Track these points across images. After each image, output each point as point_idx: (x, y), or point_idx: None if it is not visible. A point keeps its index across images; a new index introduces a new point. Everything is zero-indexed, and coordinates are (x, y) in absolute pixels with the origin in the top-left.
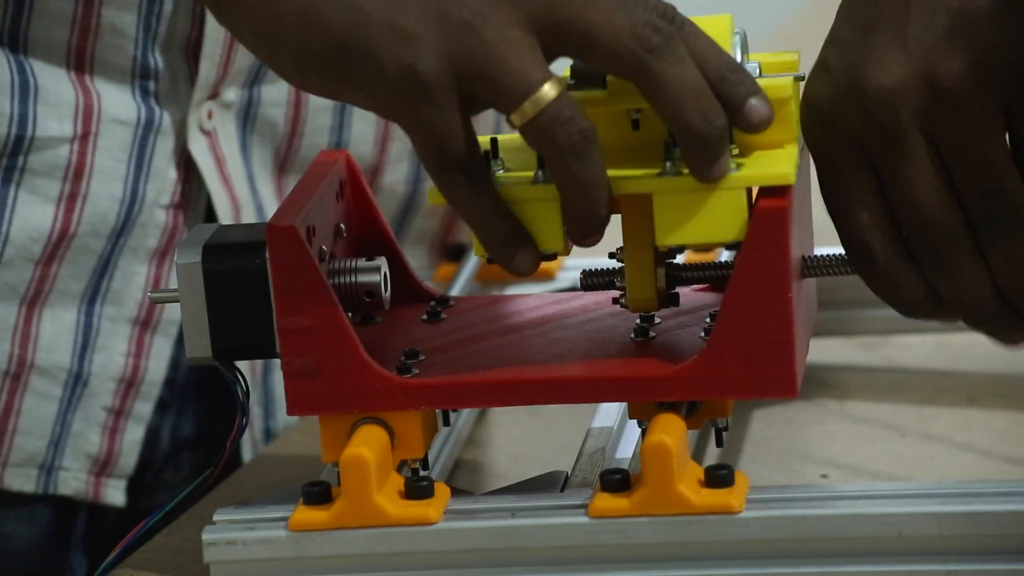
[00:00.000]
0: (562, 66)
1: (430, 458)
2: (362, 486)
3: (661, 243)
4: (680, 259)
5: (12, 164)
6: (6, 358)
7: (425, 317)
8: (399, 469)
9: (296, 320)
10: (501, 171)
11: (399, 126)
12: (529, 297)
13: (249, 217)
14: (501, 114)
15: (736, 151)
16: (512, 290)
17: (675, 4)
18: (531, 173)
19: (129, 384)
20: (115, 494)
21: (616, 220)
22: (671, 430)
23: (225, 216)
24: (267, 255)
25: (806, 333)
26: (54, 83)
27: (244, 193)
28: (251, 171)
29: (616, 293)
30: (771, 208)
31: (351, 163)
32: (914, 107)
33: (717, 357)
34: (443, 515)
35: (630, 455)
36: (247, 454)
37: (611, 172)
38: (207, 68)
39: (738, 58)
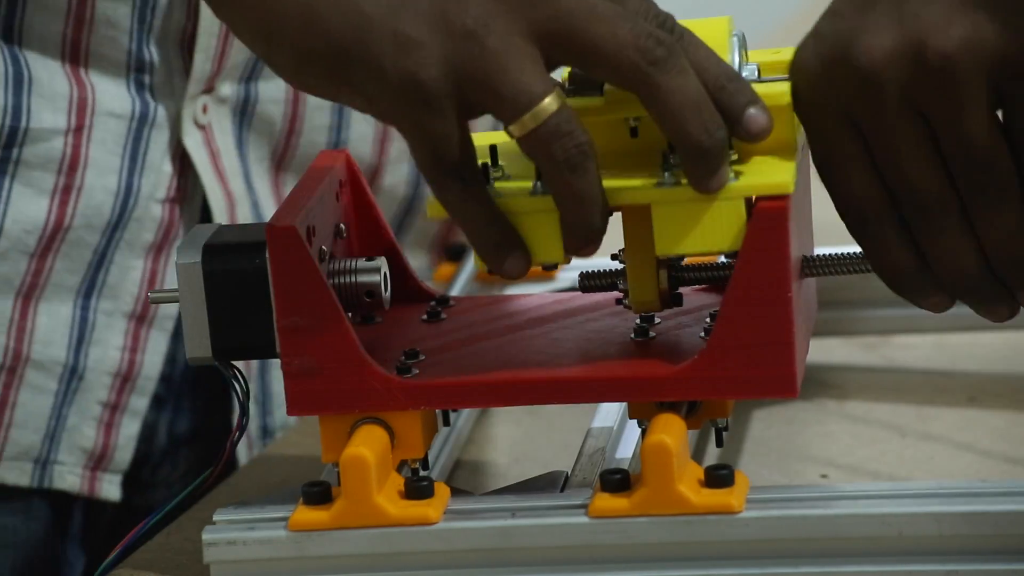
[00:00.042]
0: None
1: (430, 458)
2: (362, 486)
3: (661, 253)
4: (682, 260)
5: (6, 156)
6: (1, 351)
7: (425, 317)
8: (399, 469)
9: (296, 320)
10: (501, 178)
11: (397, 130)
12: (529, 297)
13: (244, 213)
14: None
15: (735, 156)
16: (512, 290)
17: (676, 4)
18: (529, 183)
19: (125, 378)
20: (110, 489)
21: (616, 220)
22: (671, 430)
23: (219, 211)
24: (267, 255)
25: (806, 333)
26: (48, 75)
27: (239, 189)
28: (247, 167)
29: (619, 294)
30: (771, 209)
31: (351, 163)
32: (902, 79)
33: (717, 357)
34: (443, 515)
35: (630, 455)
36: (243, 451)
37: (610, 181)
38: (201, 61)
39: (737, 60)
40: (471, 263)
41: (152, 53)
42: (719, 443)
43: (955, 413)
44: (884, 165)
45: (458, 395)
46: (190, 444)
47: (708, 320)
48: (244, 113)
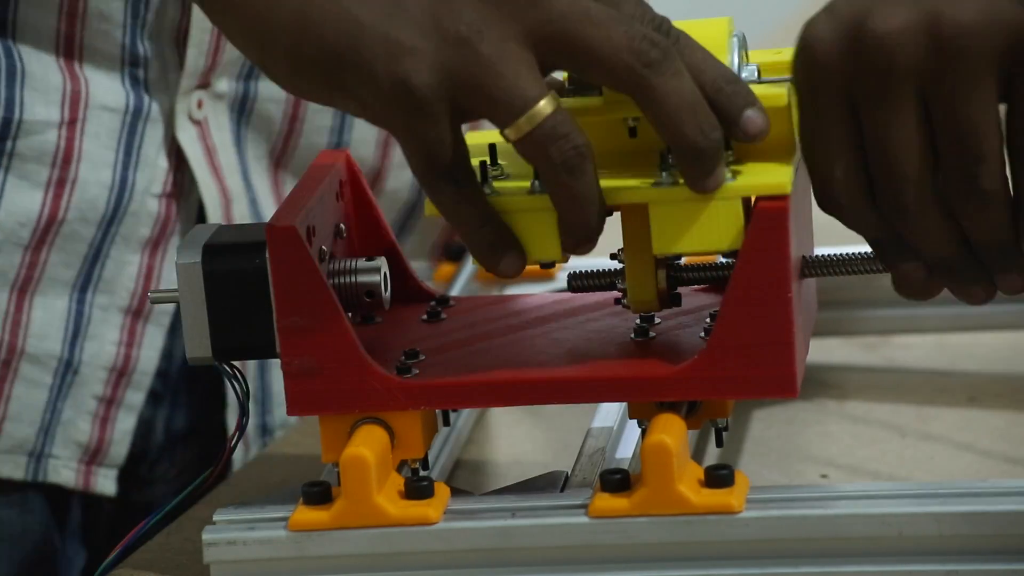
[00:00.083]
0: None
1: (430, 458)
2: (362, 486)
3: (658, 252)
4: (680, 260)
5: (0, 148)
6: None
7: (425, 317)
8: (399, 469)
9: (296, 320)
10: (500, 177)
11: (390, 133)
12: (529, 297)
13: (242, 210)
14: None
15: (733, 158)
16: (512, 290)
17: (676, 4)
18: (527, 183)
19: (120, 373)
20: (106, 483)
21: (616, 220)
22: (671, 430)
23: (214, 207)
24: (267, 255)
25: (806, 333)
26: (41, 69)
27: (236, 185)
28: (245, 164)
29: (617, 293)
30: (770, 209)
31: (351, 163)
32: (912, 55)
33: (717, 357)
34: (443, 515)
35: (630, 455)
36: (239, 449)
37: (608, 181)
38: (194, 56)
39: (736, 61)
40: (471, 263)
41: (146, 47)
42: (719, 443)
43: (955, 413)
44: (872, 147)
45: (458, 395)
46: (187, 440)
47: (708, 320)
48: (242, 110)
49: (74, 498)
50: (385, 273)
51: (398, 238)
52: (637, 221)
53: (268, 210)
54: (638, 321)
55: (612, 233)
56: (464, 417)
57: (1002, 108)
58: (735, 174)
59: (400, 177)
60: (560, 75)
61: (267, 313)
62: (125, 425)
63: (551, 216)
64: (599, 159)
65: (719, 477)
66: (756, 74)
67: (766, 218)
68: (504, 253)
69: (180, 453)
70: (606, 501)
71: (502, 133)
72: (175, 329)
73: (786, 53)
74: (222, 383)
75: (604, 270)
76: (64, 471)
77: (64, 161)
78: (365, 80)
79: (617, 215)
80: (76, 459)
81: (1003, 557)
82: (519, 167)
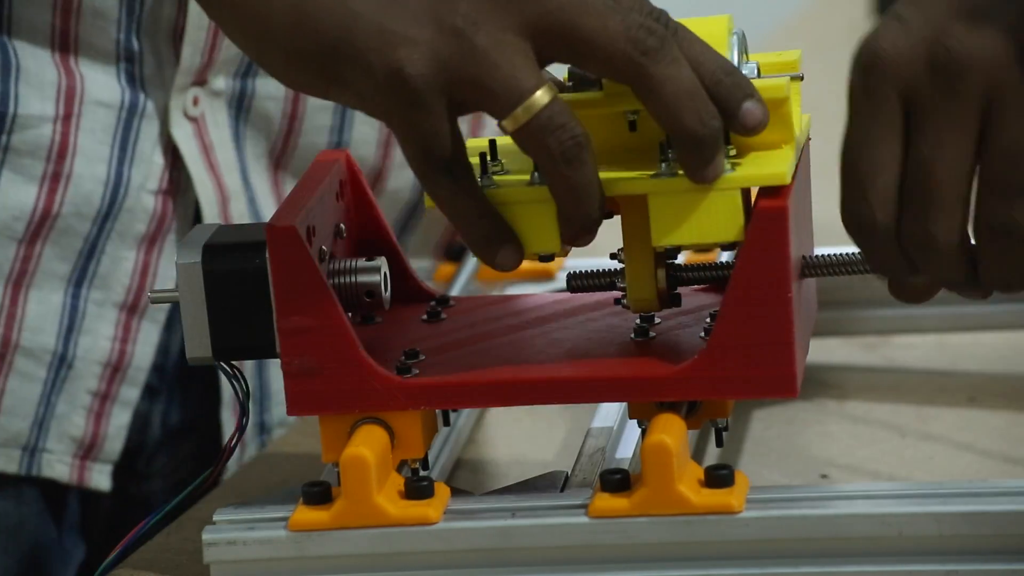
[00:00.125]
0: (562, 69)
1: (430, 458)
2: (362, 486)
3: (657, 243)
4: (680, 259)
5: None
6: None
7: (425, 317)
8: (399, 469)
9: (296, 320)
10: (500, 172)
11: (387, 126)
12: (529, 297)
13: (240, 209)
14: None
15: (733, 152)
16: (512, 290)
17: (676, 3)
18: (527, 176)
19: (115, 368)
20: (100, 479)
21: (617, 220)
22: (671, 430)
23: (210, 205)
24: (267, 255)
25: (806, 333)
26: (36, 64)
27: (234, 183)
28: (244, 162)
29: (617, 293)
30: (771, 208)
31: (351, 163)
32: (986, 78)
33: (717, 357)
34: (443, 515)
35: (630, 455)
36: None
37: (607, 173)
38: (190, 54)
39: (736, 59)
40: (471, 263)
41: (141, 44)
42: (719, 443)
43: (955, 413)
44: (916, 167)
45: (458, 395)
46: (185, 434)
47: (708, 320)
48: (240, 108)
49: (71, 491)
50: (385, 273)
51: (400, 238)
52: (637, 214)
53: (267, 209)
54: (638, 321)
55: (612, 233)
56: (464, 417)
57: None
58: (734, 167)
59: (401, 176)
60: (561, 76)
61: (267, 313)
62: (119, 420)
63: (550, 208)
64: (600, 154)
65: (719, 477)
66: (756, 72)
67: (766, 217)
68: (501, 246)
69: (177, 447)
70: (606, 501)
71: (500, 125)
72: (171, 324)
73: (787, 55)
74: (219, 378)
75: (604, 270)
76: (58, 465)
77: (59, 156)
78: (361, 72)
79: (618, 216)
80: (70, 454)
81: (1003, 557)
82: (520, 164)
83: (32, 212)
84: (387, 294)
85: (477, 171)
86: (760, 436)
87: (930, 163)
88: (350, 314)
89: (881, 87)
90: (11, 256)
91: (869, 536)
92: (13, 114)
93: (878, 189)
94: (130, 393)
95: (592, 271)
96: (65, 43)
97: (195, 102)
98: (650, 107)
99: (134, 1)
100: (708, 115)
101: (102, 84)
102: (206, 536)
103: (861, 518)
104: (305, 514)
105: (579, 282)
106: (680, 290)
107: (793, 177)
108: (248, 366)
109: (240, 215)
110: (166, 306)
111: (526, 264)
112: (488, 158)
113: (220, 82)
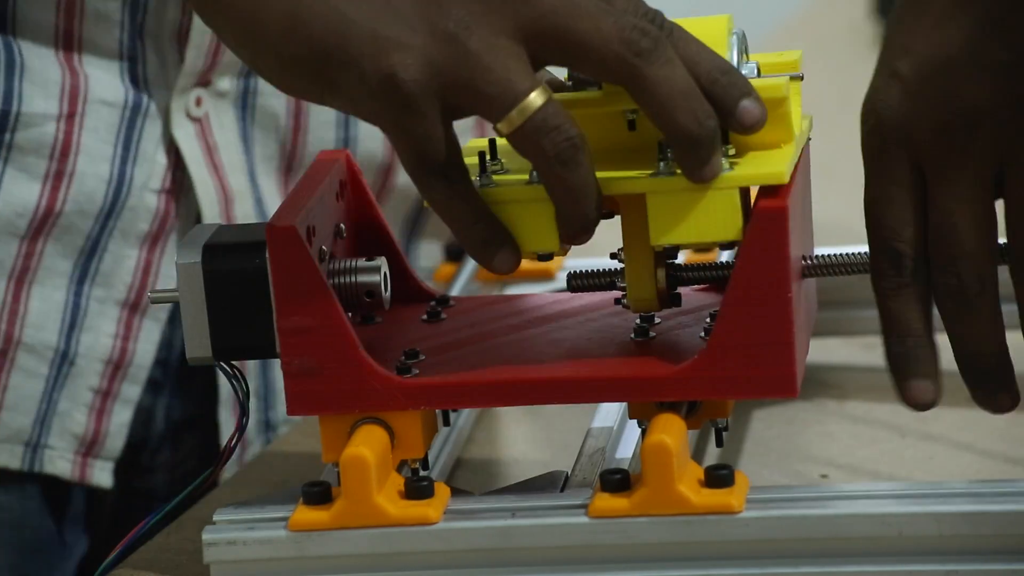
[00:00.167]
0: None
1: (430, 458)
2: (362, 486)
3: (655, 242)
4: (680, 259)
5: None
6: None
7: (425, 317)
8: (399, 469)
9: (296, 320)
10: (499, 172)
11: (381, 130)
12: (529, 297)
13: (246, 209)
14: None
15: (732, 151)
16: (512, 290)
17: (676, 3)
18: (526, 175)
19: (117, 366)
20: (102, 475)
21: (617, 220)
22: (671, 430)
23: (210, 205)
24: (267, 255)
25: (806, 333)
26: (40, 63)
27: (240, 184)
28: (252, 163)
29: (617, 293)
30: (771, 208)
31: (351, 163)
32: (995, 129)
33: (717, 357)
34: (443, 515)
35: (630, 455)
36: (242, 446)
37: (606, 172)
38: (193, 56)
39: (736, 59)
40: (471, 263)
41: (145, 45)
42: (719, 443)
43: (955, 413)
44: (936, 222)
45: (458, 395)
46: (189, 429)
47: (708, 320)
48: (246, 107)
49: (74, 486)
50: (385, 273)
51: (410, 234)
52: (636, 214)
53: (273, 209)
54: (638, 321)
55: (612, 233)
56: (464, 417)
57: None
58: (733, 166)
59: None
60: (562, 76)
61: (267, 313)
62: (121, 418)
63: (548, 207)
64: (598, 154)
65: (719, 477)
66: (756, 71)
67: (766, 217)
68: (498, 249)
69: (181, 442)
70: (606, 501)
71: (495, 128)
72: (174, 320)
73: (787, 55)
74: (218, 375)
75: (604, 270)
76: (60, 462)
77: (62, 154)
78: (354, 77)
79: (618, 215)
80: (72, 450)
81: (1003, 557)
82: (519, 164)
83: (35, 209)
84: (387, 294)
85: (476, 171)
86: (760, 436)
87: (951, 216)
88: (350, 314)
89: (889, 148)
90: (14, 253)
91: (869, 536)
92: (17, 112)
93: (906, 240)
94: (131, 391)
95: (592, 271)
96: (69, 42)
97: (198, 103)
98: (645, 108)
99: (137, 4)
100: (704, 114)
101: (106, 83)
102: (206, 536)
103: (861, 518)
104: (305, 514)
105: (579, 282)
106: (680, 290)
107: (793, 177)
108: (252, 364)
109: (245, 215)
110: (167, 305)
111: (526, 264)
112: (487, 157)
113: (225, 83)
